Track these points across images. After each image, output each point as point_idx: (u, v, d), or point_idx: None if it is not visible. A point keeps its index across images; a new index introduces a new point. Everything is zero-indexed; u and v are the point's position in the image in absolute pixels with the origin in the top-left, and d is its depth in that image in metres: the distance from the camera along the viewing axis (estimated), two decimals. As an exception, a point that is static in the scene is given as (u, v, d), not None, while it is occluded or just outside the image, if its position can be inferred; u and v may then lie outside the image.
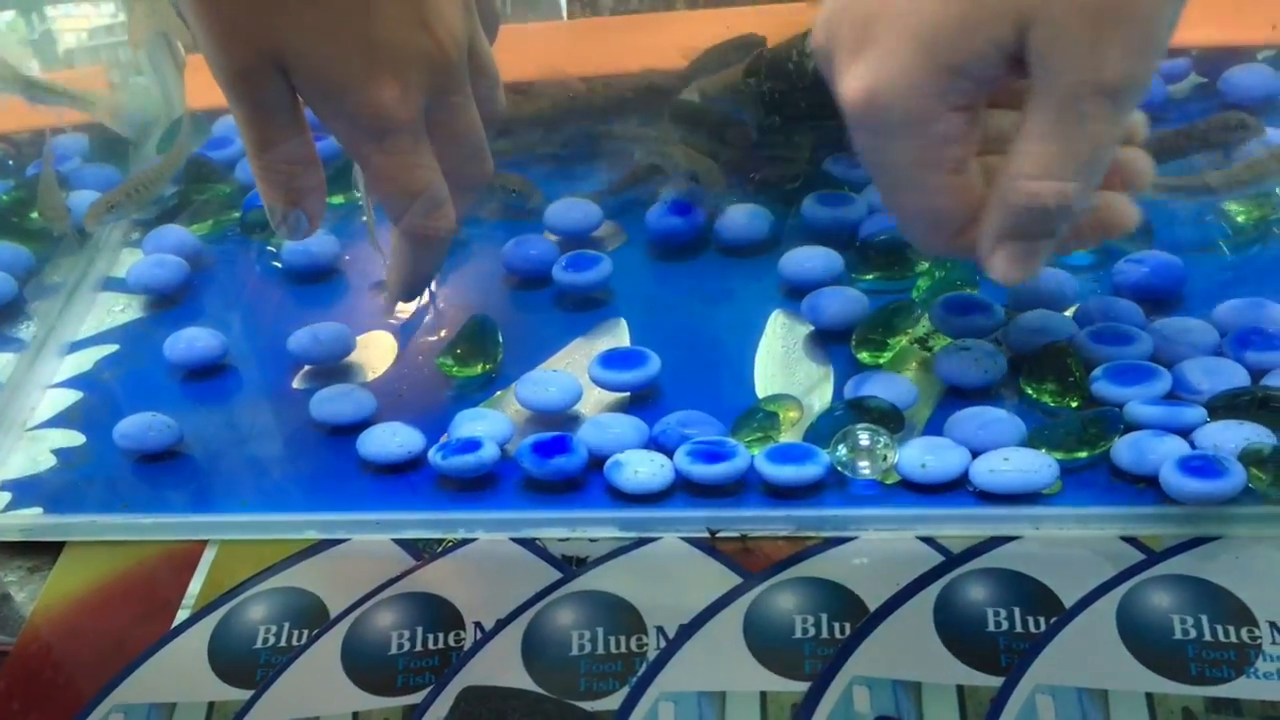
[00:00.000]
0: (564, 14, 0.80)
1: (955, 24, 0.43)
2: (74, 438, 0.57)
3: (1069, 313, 0.55)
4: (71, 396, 0.59)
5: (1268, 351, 0.51)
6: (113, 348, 0.61)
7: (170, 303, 0.64)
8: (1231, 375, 0.50)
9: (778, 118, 0.67)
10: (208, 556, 0.51)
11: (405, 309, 0.61)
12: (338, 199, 0.68)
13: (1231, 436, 0.47)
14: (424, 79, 0.50)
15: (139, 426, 0.54)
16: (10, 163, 0.74)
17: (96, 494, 0.54)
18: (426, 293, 0.61)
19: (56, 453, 0.56)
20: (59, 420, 0.58)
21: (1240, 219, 0.59)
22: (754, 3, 0.73)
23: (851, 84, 0.45)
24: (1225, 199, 0.60)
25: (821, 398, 0.54)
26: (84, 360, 0.61)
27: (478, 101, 0.53)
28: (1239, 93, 0.66)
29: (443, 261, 0.55)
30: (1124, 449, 0.48)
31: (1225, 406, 0.49)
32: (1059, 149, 0.44)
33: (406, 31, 0.49)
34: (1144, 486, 0.48)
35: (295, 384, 0.58)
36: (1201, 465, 0.46)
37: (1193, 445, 0.48)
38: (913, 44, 0.44)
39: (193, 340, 0.59)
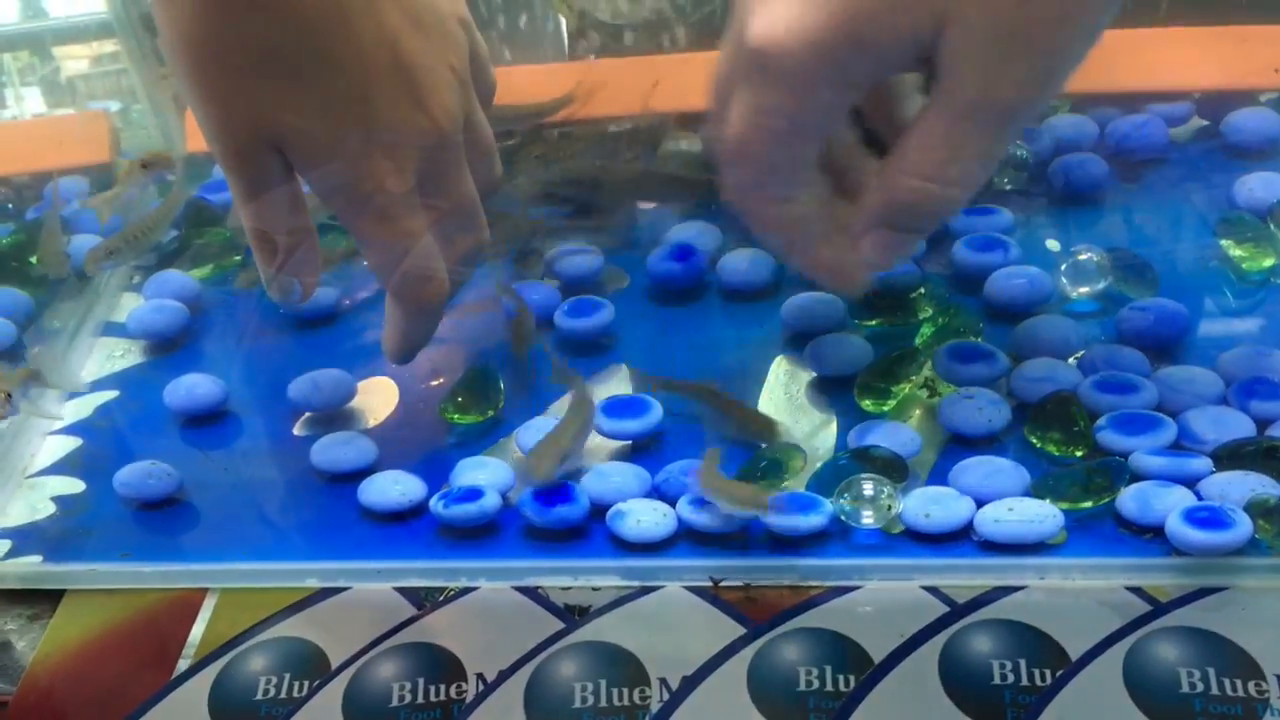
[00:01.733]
0: (566, 54, 0.80)
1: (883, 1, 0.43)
2: (74, 485, 0.56)
3: (1073, 361, 0.55)
4: (71, 443, 0.59)
5: (1273, 401, 0.51)
6: (113, 394, 0.61)
7: (170, 348, 0.64)
8: (1237, 425, 0.50)
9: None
10: (209, 604, 0.51)
11: None
12: (340, 243, 0.68)
13: (1237, 487, 0.47)
14: (419, 154, 0.51)
15: (139, 475, 0.54)
16: (10, 206, 0.74)
17: (96, 542, 0.53)
18: None
19: (56, 500, 0.56)
20: (59, 467, 0.58)
21: (1245, 266, 0.59)
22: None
23: (760, 22, 0.44)
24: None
25: (825, 445, 0.54)
26: (84, 406, 0.61)
27: (473, 171, 0.54)
28: (1242, 136, 0.66)
29: (436, 326, 0.56)
30: (1130, 499, 0.48)
31: (1231, 456, 0.49)
32: (945, 156, 0.45)
33: (402, 110, 0.50)
34: (1150, 537, 0.47)
35: (296, 430, 0.58)
36: (1208, 516, 0.46)
37: (1199, 496, 0.48)
38: (837, 6, 0.43)
39: (193, 387, 0.59)
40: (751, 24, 0.45)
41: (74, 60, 0.90)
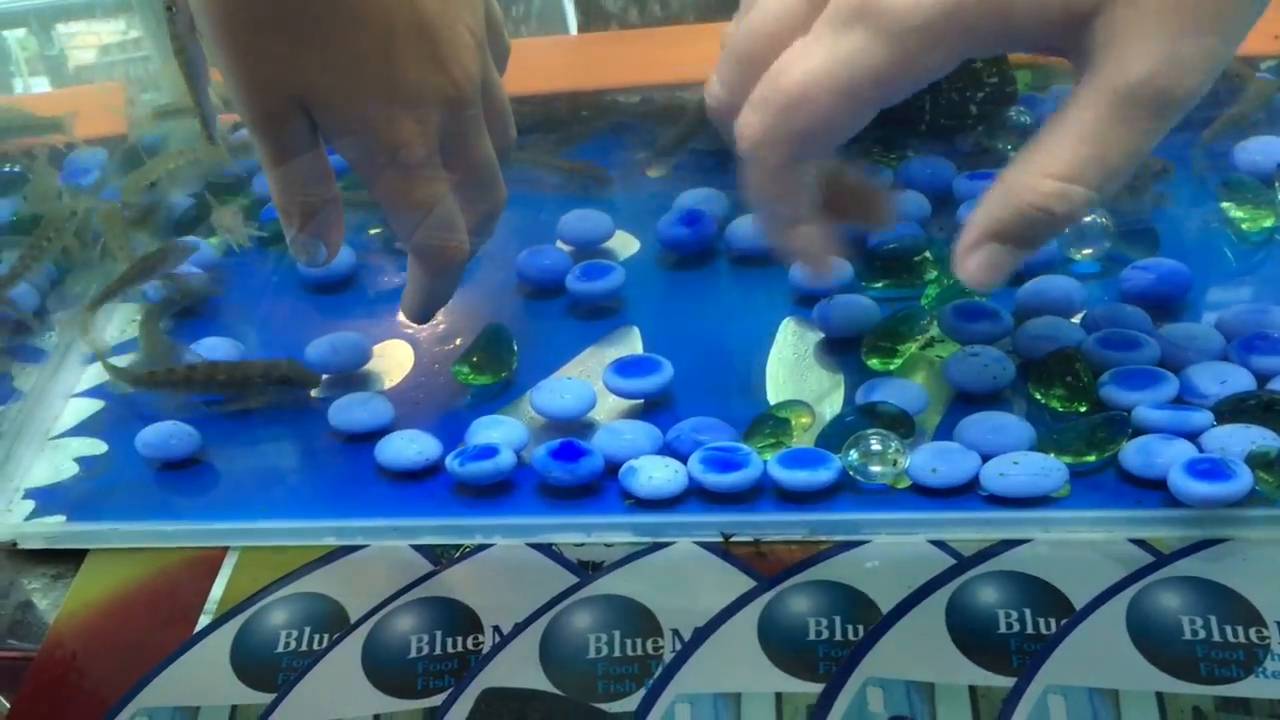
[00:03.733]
0: (572, 28, 0.81)
1: None
2: (96, 446, 0.57)
3: (1077, 319, 0.56)
4: (94, 405, 0.60)
5: (1273, 356, 0.51)
6: (134, 357, 0.62)
7: (190, 313, 0.65)
8: (1238, 380, 0.51)
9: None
10: (229, 563, 0.52)
11: None
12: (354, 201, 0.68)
13: (1238, 440, 0.48)
14: (440, 115, 0.52)
15: (161, 435, 0.55)
16: (30, 175, 0.75)
17: (119, 502, 0.54)
18: None
19: (79, 461, 0.57)
20: (82, 429, 0.59)
21: (1245, 226, 0.60)
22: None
23: None
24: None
25: (833, 404, 0.54)
26: (105, 370, 0.62)
27: (490, 133, 0.55)
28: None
29: (456, 286, 0.57)
30: (1132, 453, 0.49)
31: (1232, 410, 0.50)
32: (1092, 153, 0.41)
33: (424, 71, 0.51)
34: (1152, 490, 0.48)
35: (313, 392, 0.59)
36: (1209, 468, 0.46)
37: (1200, 449, 0.48)
38: None
39: (213, 350, 0.60)
40: None
41: (81, 50, 0.91)
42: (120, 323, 0.65)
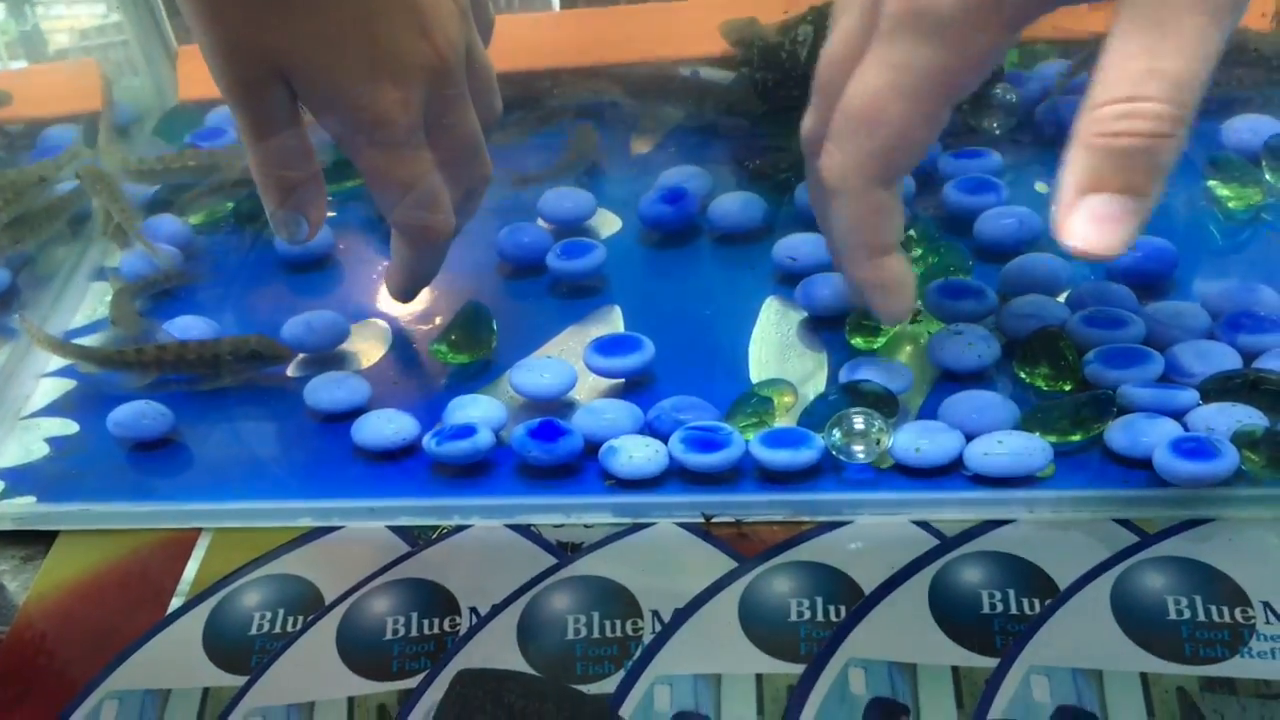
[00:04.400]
0: (555, 4, 0.80)
1: None
2: (68, 426, 0.57)
3: (1062, 298, 0.55)
4: (65, 385, 0.59)
5: (1259, 334, 0.51)
6: (107, 334, 0.61)
7: (165, 293, 0.64)
8: (1223, 358, 0.50)
9: (771, 106, 0.67)
10: (202, 544, 0.51)
11: None
12: (333, 187, 0.68)
13: (1224, 418, 0.47)
14: (423, 85, 0.51)
15: (132, 414, 0.54)
16: (3, 155, 0.74)
17: (90, 482, 0.54)
18: None
19: (50, 441, 0.56)
20: (53, 409, 0.58)
21: (1231, 205, 0.59)
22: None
23: None
24: None
25: (816, 383, 0.54)
26: (78, 350, 0.61)
27: (474, 105, 0.54)
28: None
29: (441, 263, 0.56)
30: (1118, 432, 0.48)
31: (1218, 389, 0.49)
32: (1149, 66, 0.39)
33: (407, 40, 0.50)
34: (1138, 469, 0.48)
35: (289, 371, 0.58)
36: (1195, 447, 0.46)
37: (1186, 428, 0.48)
38: None
39: (187, 329, 0.59)
40: None
41: (60, 34, 0.90)
42: (92, 302, 0.64)
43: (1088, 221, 0.40)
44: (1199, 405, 0.49)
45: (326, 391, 0.55)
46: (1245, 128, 0.62)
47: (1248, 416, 0.47)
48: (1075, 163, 0.41)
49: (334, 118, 0.50)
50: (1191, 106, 0.39)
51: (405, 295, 0.57)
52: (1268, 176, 0.60)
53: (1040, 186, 0.62)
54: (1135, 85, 0.39)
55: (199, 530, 0.52)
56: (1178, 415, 0.48)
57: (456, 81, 0.52)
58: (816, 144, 0.48)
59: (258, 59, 0.49)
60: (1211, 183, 0.60)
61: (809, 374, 0.54)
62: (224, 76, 0.50)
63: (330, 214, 0.66)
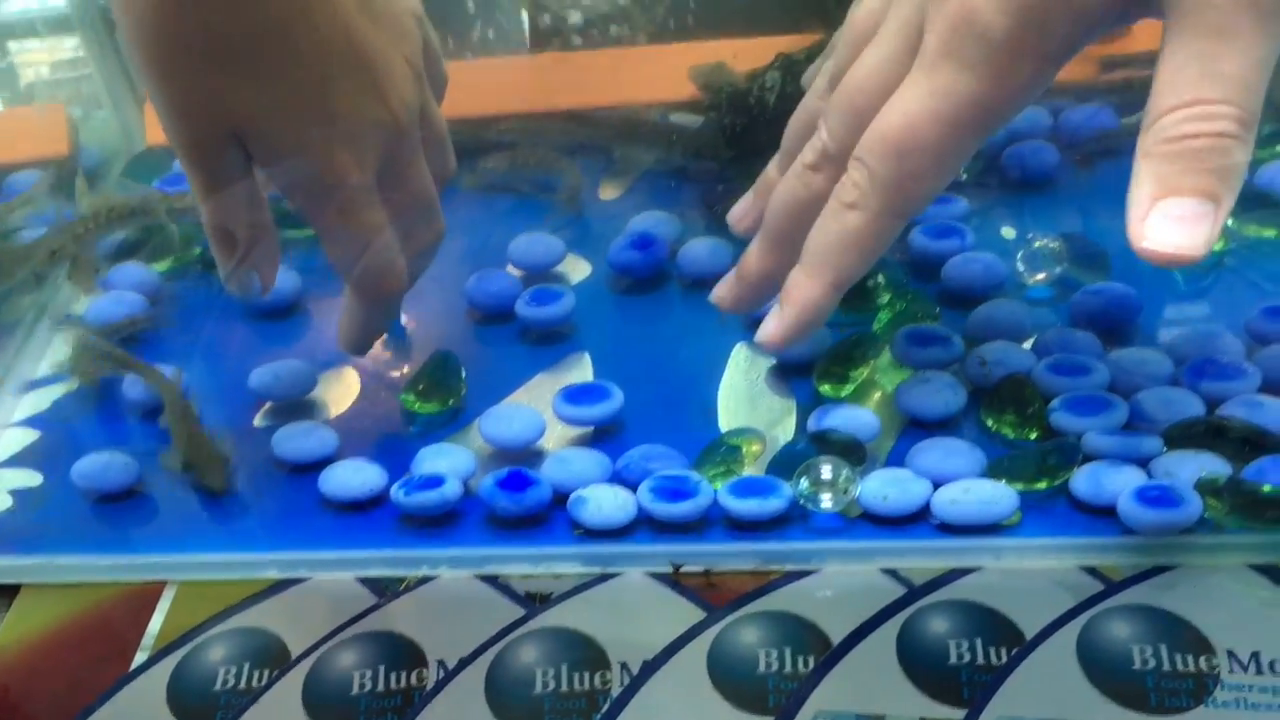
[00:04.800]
0: (527, 46, 0.81)
1: None
2: (31, 478, 0.56)
3: (1027, 344, 0.55)
4: (29, 436, 0.58)
5: (1222, 381, 0.51)
6: (71, 386, 0.61)
7: (131, 339, 0.63)
8: (1187, 405, 0.51)
9: (738, 151, 0.67)
10: (167, 597, 0.51)
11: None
12: (298, 233, 0.67)
13: (1187, 466, 0.48)
14: (377, 145, 0.51)
15: (97, 466, 0.54)
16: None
17: (54, 535, 0.53)
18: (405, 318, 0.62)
19: (13, 494, 0.55)
20: (16, 460, 0.57)
21: (1194, 250, 0.60)
22: (714, 38, 0.74)
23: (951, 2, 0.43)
24: None
25: (785, 430, 0.54)
26: (42, 399, 0.60)
27: (429, 163, 0.54)
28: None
29: (394, 317, 0.56)
30: (1082, 480, 0.48)
31: (1181, 436, 0.50)
32: (1208, 70, 0.39)
33: (362, 102, 0.50)
34: (1103, 516, 0.48)
35: (256, 421, 0.58)
36: (1158, 495, 0.46)
37: (1150, 475, 0.48)
38: None
39: (153, 378, 0.59)
40: (941, 6, 0.44)
41: (30, 67, 0.89)
42: (57, 350, 0.64)
43: (1165, 224, 0.39)
44: (1163, 452, 0.49)
45: (294, 442, 0.55)
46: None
47: (1210, 464, 0.48)
48: (1143, 174, 0.40)
49: (287, 179, 0.51)
50: (1255, 110, 0.39)
51: (358, 349, 0.57)
52: (1229, 222, 0.60)
53: (1007, 231, 0.63)
54: (1196, 89, 0.39)
55: (164, 583, 0.51)
56: (1142, 463, 0.49)
57: (410, 141, 0.52)
58: (834, 162, 0.49)
59: (211, 121, 0.49)
60: (1174, 228, 0.61)
61: (778, 421, 0.55)
62: (177, 137, 0.50)
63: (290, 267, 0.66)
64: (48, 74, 0.89)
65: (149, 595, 0.51)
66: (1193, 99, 0.40)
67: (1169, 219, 0.40)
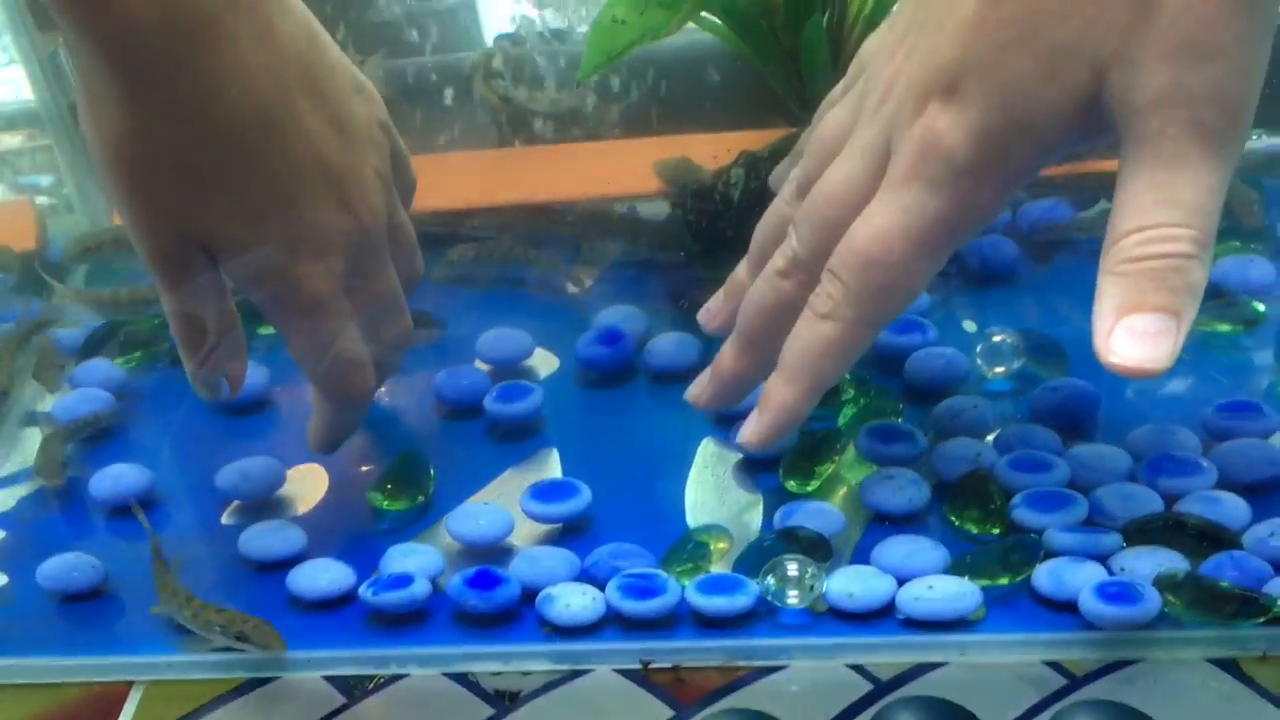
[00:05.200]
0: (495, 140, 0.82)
1: (1033, 76, 0.43)
2: (-4, 577, 0.56)
3: (990, 439, 0.56)
4: (-5, 535, 0.58)
5: (1179, 477, 0.52)
6: (37, 484, 0.61)
7: (97, 437, 0.63)
8: (1145, 501, 0.52)
9: (703, 244, 0.69)
10: (134, 698, 0.50)
11: None
12: (267, 330, 0.68)
13: (1146, 562, 0.49)
14: (345, 252, 0.52)
15: (63, 567, 0.54)
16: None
17: (18, 635, 0.53)
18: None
19: (-23, 593, 0.55)
20: (-19, 560, 0.57)
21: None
22: (682, 133, 0.76)
23: (918, 126, 0.45)
24: None
25: (751, 525, 0.54)
26: (6, 498, 0.60)
27: (396, 266, 0.55)
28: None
29: (362, 418, 0.57)
30: (1044, 575, 0.49)
31: (1140, 532, 0.50)
32: (1165, 197, 0.41)
33: (329, 214, 0.51)
34: (1065, 612, 0.49)
35: (224, 519, 0.58)
36: (1118, 591, 0.47)
37: (1110, 571, 0.49)
38: (991, 93, 0.44)
39: (119, 477, 0.58)
40: (908, 131, 0.46)
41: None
42: (23, 449, 0.63)
43: (1130, 340, 0.41)
44: (1122, 548, 0.50)
45: (261, 540, 0.55)
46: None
47: (1169, 560, 0.49)
48: (1107, 291, 0.42)
49: (255, 286, 0.51)
50: (1211, 230, 0.42)
51: (325, 450, 0.57)
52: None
53: (968, 325, 0.64)
54: (1153, 214, 0.41)
55: (130, 683, 0.51)
56: (1102, 558, 0.50)
57: (378, 247, 0.53)
58: (805, 270, 0.50)
59: (177, 232, 0.50)
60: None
61: (744, 515, 0.55)
62: (144, 248, 0.50)
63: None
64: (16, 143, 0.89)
65: (116, 696, 0.50)
66: (1151, 223, 0.42)
67: (1133, 334, 0.41)
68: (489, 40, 0.82)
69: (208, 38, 0.47)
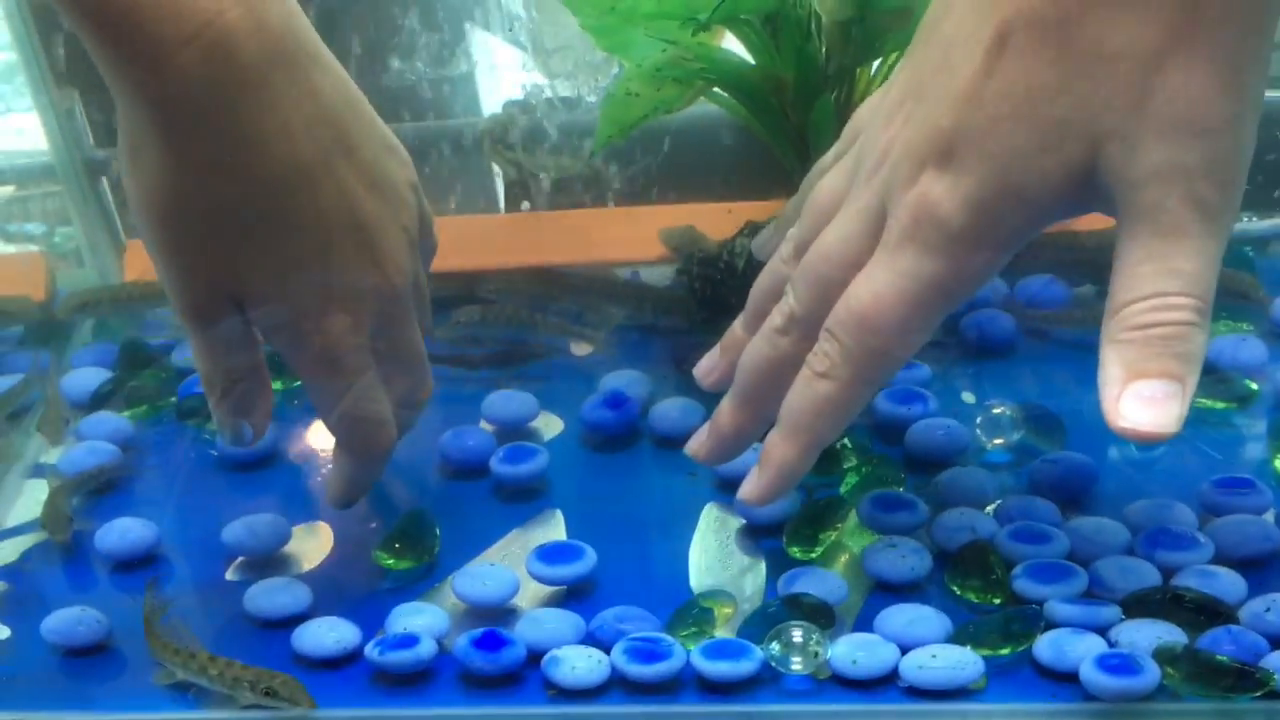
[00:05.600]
0: (501, 208, 0.83)
1: (1028, 148, 0.44)
2: (-1, 631, 0.56)
3: (990, 509, 0.57)
4: (-3, 588, 0.58)
5: (1176, 551, 0.53)
6: (41, 537, 0.61)
7: (104, 490, 0.63)
8: (1144, 574, 0.52)
9: (707, 311, 0.70)
10: (136, 755, 0.50)
11: None
12: (275, 384, 0.68)
13: (1145, 635, 0.49)
14: (373, 308, 0.53)
15: (67, 622, 0.54)
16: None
17: (20, 690, 0.52)
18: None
19: (-19, 647, 0.55)
20: (-17, 614, 0.57)
21: (1145, 420, 0.62)
22: (688, 202, 0.77)
23: (913, 191, 0.46)
24: None
25: (755, 590, 0.55)
26: (10, 550, 0.60)
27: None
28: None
29: (381, 473, 0.57)
30: (1045, 646, 0.50)
31: (1138, 604, 0.51)
32: (1164, 267, 0.42)
33: (360, 270, 0.52)
34: (1066, 683, 0.49)
35: (229, 575, 0.58)
36: (1118, 663, 0.47)
37: (1110, 643, 0.50)
38: (989, 167, 0.45)
39: (124, 531, 0.59)
40: (903, 195, 0.47)
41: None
42: (28, 500, 0.64)
43: (1138, 405, 0.43)
44: (1122, 620, 0.50)
45: (266, 598, 0.55)
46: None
47: (1167, 633, 0.49)
48: (1111, 358, 0.44)
49: (283, 337, 0.52)
50: (1209, 297, 0.43)
51: (344, 504, 0.58)
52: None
53: (967, 397, 0.65)
54: (1154, 283, 0.43)
55: (132, 741, 0.51)
56: (1102, 630, 0.50)
57: (404, 305, 0.54)
58: (802, 326, 0.51)
59: (213, 290, 0.51)
60: (1125, 397, 0.63)
61: (747, 581, 0.56)
62: (178, 301, 0.51)
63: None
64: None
65: (117, 754, 0.50)
66: (1153, 292, 0.43)
67: (1142, 400, 0.43)
68: (485, 110, 0.83)
69: (253, 94, 0.48)
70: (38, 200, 0.93)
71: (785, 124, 0.63)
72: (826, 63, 0.60)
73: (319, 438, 0.66)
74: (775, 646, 0.50)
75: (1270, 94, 0.76)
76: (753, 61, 0.62)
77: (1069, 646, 0.49)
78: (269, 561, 0.58)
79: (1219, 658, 0.48)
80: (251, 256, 0.50)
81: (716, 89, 0.64)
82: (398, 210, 0.53)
